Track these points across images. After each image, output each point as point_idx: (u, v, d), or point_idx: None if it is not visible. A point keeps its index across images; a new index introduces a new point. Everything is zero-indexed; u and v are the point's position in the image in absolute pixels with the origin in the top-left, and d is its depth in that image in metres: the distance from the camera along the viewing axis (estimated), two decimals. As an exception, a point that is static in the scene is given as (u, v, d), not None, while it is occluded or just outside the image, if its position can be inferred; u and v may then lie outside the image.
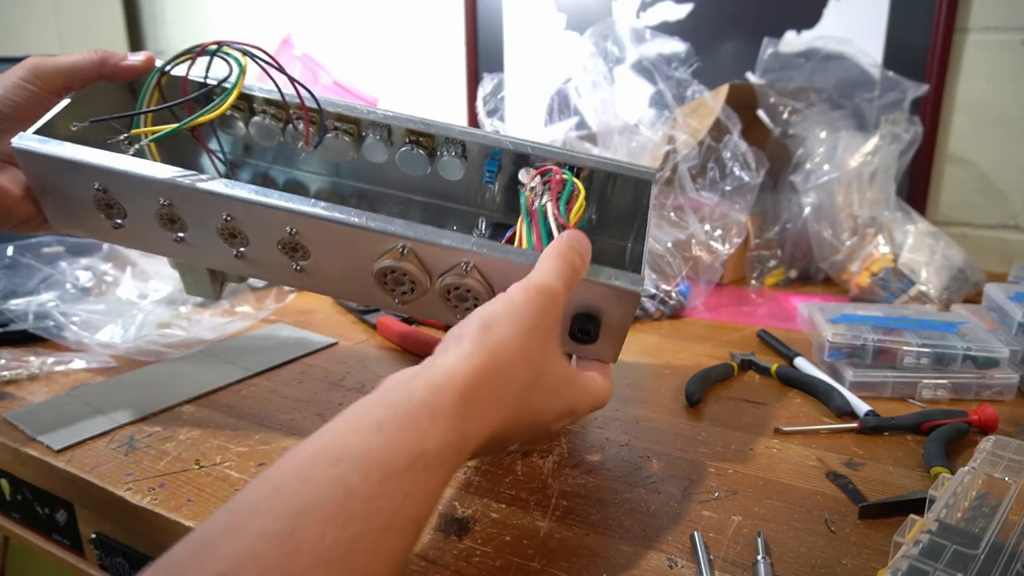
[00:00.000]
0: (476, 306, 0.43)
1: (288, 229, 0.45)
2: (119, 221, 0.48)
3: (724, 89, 0.86)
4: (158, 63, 0.51)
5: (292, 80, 0.49)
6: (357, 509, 0.26)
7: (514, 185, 0.55)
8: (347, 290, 0.48)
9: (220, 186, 0.45)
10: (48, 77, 0.48)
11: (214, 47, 0.48)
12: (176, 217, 0.47)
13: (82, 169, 0.46)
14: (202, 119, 0.47)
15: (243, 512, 0.25)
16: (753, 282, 0.92)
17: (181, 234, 0.48)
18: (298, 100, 0.51)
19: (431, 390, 0.30)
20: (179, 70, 0.50)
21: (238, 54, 0.48)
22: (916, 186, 1.02)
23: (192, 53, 0.49)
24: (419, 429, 0.29)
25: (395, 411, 0.29)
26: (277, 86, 0.51)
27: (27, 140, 0.46)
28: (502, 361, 0.33)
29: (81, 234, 0.51)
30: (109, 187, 0.46)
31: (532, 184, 0.49)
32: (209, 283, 0.57)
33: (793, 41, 1.05)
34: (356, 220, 0.44)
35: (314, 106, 0.51)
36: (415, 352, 0.68)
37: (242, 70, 0.48)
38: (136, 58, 0.51)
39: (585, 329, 0.44)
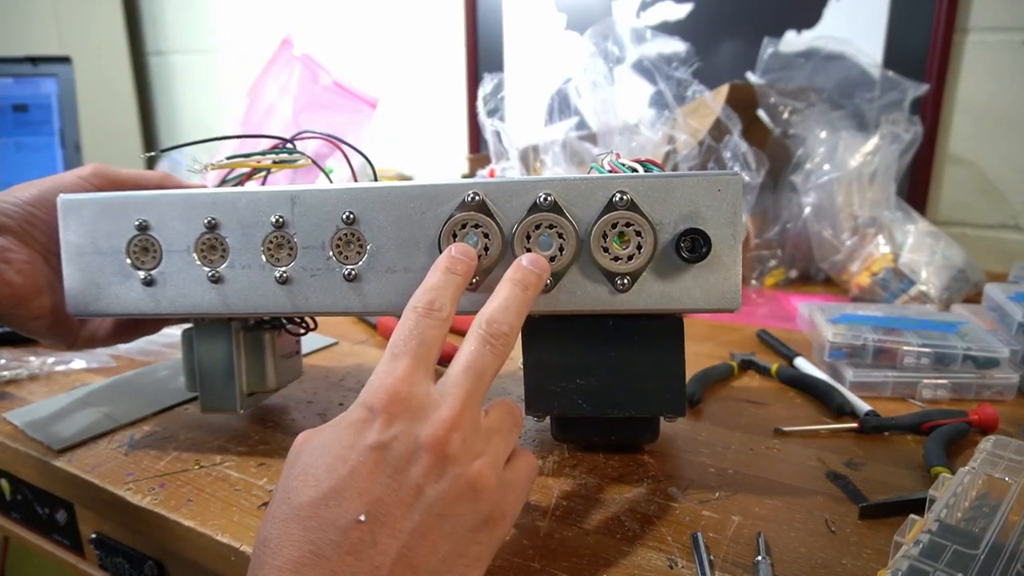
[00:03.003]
0: (562, 251, 0.41)
1: (345, 215, 0.43)
2: (151, 273, 0.46)
3: (724, 89, 0.86)
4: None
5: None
6: None
7: None
8: (403, 289, 0.43)
9: (269, 188, 0.46)
10: (109, 182, 0.50)
11: (266, 164, 0.50)
12: (218, 242, 0.45)
13: (127, 205, 0.46)
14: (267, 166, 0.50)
15: None
16: (753, 282, 0.92)
17: (220, 268, 0.45)
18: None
19: None
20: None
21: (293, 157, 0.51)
22: (916, 186, 1.02)
23: (246, 175, 0.51)
24: None
25: None
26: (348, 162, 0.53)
27: (73, 196, 0.47)
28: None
29: (100, 309, 0.48)
30: (150, 221, 0.45)
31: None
32: (234, 392, 0.50)
33: (793, 41, 1.05)
34: (419, 182, 0.43)
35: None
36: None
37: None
38: (195, 181, 0.54)
39: (692, 246, 0.40)
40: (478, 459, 0.32)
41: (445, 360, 0.35)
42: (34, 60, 1.10)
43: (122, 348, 0.68)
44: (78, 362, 0.65)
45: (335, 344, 0.72)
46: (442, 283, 0.36)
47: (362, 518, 0.29)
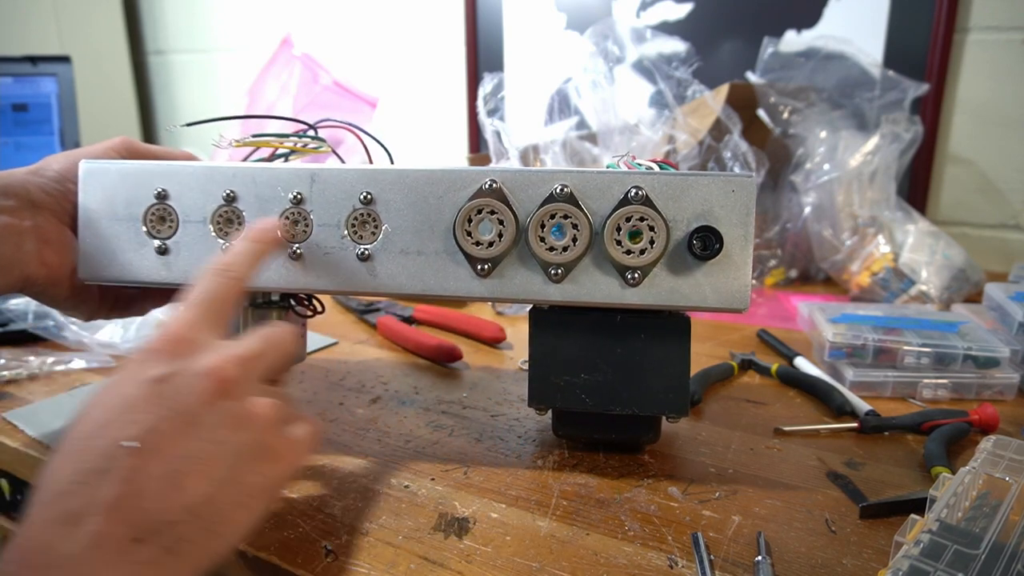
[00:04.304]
0: (575, 241, 0.41)
1: (363, 195, 0.44)
2: (166, 242, 0.46)
3: (724, 89, 0.86)
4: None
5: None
6: None
7: None
8: (415, 271, 0.44)
9: (290, 165, 0.46)
10: (137, 155, 0.51)
11: (286, 149, 0.51)
12: (235, 215, 0.45)
13: (148, 173, 0.46)
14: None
15: None
16: (753, 282, 0.92)
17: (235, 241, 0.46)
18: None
19: None
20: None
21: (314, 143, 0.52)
22: (916, 186, 1.02)
23: (268, 155, 0.52)
24: None
25: None
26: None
27: (95, 162, 0.48)
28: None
29: (112, 275, 0.48)
30: (170, 190, 0.46)
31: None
32: None
33: (793, 41, 1.05)
34: (439, 166, 0.43)
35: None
36: (415, 352, 0.68)
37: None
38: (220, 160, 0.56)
39: (704, 244, 0.40)
40: (259, 397, 0.34)
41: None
42: (34, 60, 1.10)
43: (122, 348, 0.68)
44: (78, 362, 0.65)
45: (335, 344, 0.72)
46: (241, 249, 0.40)
47: (132, 445, 0.29)
